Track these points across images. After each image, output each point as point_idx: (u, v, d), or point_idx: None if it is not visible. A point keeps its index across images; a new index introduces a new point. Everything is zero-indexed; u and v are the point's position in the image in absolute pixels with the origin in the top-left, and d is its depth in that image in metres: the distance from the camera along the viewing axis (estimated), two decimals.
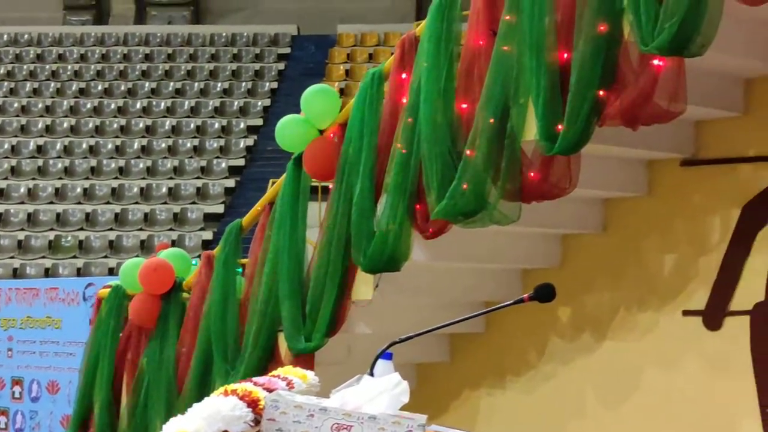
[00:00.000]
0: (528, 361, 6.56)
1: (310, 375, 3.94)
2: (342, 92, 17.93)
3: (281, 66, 20.62)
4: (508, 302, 4.08)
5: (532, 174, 5.27)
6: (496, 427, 6.68)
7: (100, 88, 19.92)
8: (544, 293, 3.92)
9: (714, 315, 5.84)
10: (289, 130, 6.31)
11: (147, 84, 19.95)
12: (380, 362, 3.70)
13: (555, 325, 6.46)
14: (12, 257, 16.30)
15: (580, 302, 6.38)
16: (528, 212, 5.58)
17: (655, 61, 4.82)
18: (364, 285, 6.04)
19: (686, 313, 5.94)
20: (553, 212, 5.94)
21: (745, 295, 5.73)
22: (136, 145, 18.40)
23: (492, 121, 5.28)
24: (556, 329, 6.47)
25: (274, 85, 20.00)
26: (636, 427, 6.08)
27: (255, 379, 3.71)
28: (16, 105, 19.52)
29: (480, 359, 6.75)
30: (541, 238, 6.46)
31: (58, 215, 16.95)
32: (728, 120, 5.80)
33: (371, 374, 3.68)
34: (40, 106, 19.49)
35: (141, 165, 17.87)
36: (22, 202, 17.40)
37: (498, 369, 6.67)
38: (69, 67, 20.64)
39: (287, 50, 21.14)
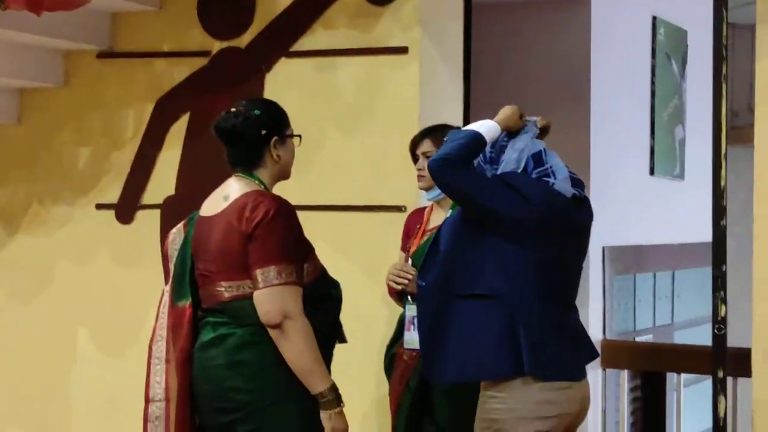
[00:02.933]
0: None
1: None
2: None
3: None
4: None
5: None
6: None
7: None
8: None
9: (126, 209, 5.87)
10: None
11: None
12: None
13: None
14: None
15: None
16: None
17: None
18: None
19: (99, 206, 5.92)
20: None
21: (157, 189, 5.81)
22: None
23: None
24: None
25: None
26: (50, 320, 6.01)
27: None
28: None
29: None
30: None
31: None
32: (145, 14, 5.79)
33: None
34: None
35: None
36: None
37: None
38: None
39: None
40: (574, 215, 3.89)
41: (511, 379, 3.75)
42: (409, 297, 4.36)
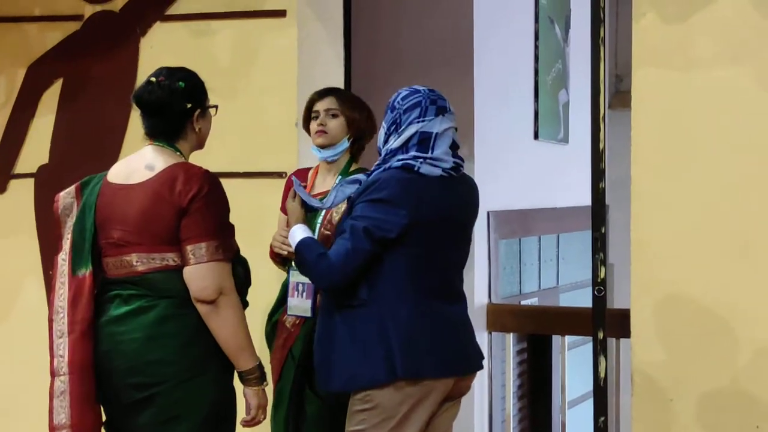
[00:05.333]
0: None
1: None
2: None
3: None
4: None
5: None
6: None
7: None
8: None
9: None
10: None
11: None
12: None
13: None
14: None
15: None
16: None
17: None
18: None
19: None
20: None
21: (30, 158, 5.64)
22: None
23: None
24: None
25: None
26: None
27: None
28: None
29: None
30: None
31: None
32: None
33: None
34: None
35: None
36: None
37: None
38: None
39: None
40: (442, 197, 3.85)
41: (386, 385, 3.77)
42: (293, 263, 4.29)
